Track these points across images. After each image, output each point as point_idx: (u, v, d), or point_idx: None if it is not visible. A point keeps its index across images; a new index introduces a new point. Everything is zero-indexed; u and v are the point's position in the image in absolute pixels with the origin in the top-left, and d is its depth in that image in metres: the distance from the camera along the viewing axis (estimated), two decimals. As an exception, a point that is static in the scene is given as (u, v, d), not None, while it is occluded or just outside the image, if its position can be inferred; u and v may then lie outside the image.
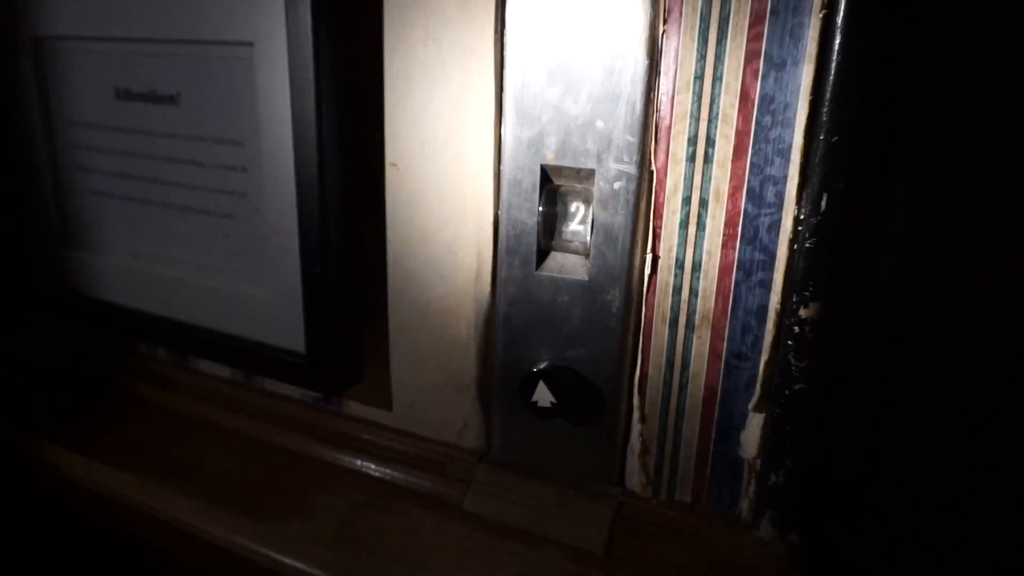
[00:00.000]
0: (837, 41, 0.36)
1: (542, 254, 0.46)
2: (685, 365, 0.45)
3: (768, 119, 0.39)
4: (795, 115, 0.38)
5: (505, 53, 0.44)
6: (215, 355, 0.59)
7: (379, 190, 0.50)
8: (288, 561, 0.46)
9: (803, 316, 0.40)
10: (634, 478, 0.48)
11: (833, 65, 0.36)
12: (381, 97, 0.48)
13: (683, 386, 0.45)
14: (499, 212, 0.47)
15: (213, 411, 0.62)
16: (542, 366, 0.47)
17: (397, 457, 0.54)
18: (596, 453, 0.48)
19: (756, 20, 0.38)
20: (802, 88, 0.38)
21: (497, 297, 0.48)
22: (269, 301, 0.55)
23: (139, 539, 0.54)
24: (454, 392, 0.52)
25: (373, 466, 0.55)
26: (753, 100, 0.39)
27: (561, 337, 0.47)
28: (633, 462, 0.48)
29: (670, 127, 0.41)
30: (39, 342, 0.72)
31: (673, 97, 0.41)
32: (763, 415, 0.43)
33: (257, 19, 0.48)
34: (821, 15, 0.36)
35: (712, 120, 0.40)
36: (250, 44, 0.49)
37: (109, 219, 0.62)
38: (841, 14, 0.36)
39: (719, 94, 0.40)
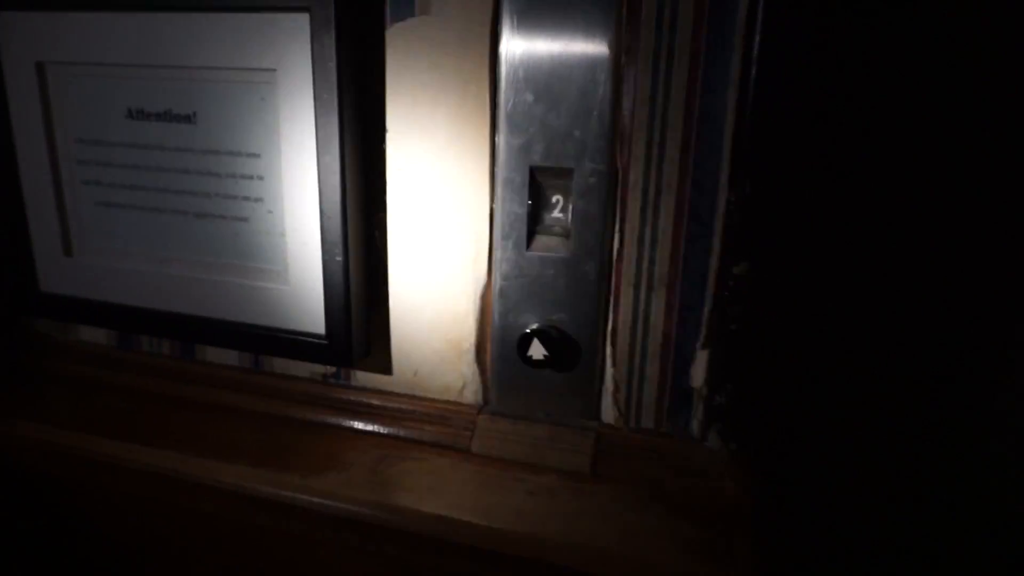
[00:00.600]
0: (753, 72, 0.50)
1: (531, 237, 0.58)
2: (647, 318, 0.58)
3: (706, 127, 0.52)
4: (725, 125, 0.52)
5: (498, 78, 0.55)
6: (232, 343, 0.67)
7: (384, 191, 0.60)
8: (334, 504, 0.55)
9: (736, 272, 0.54)
10: (609, 413, 0.61)
11: (751, 89, 0.50)
12: (384, 113, 0.58)
13: (645, 335, 0.58)
14: (494, 205, 0.58)
15: (227, 395, 0.69)
16: (535, 327, 0.58)
17: (407, 417, 0.64)
18: (577, 395, 0.60)
19: (694, 55, 0.51)
20: (729, 105, 0.51)
21: (493, 274, 0.59)
22: (286, 291, 0.63)
23: (180, 508, 0.61)
24: (455, 357, 0.63)
25: (387, 427, 0.64)
26: (694, 114, 0.52)
27: (547, 303, 0.59)
28: (607, 400, 0.60)
29: (631, 134, 0.54)
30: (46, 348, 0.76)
31: (634, 112, 0.53)
32: (707, 351, 0.57)
33: (281, 47, 0.57)
34: (741, 52, 0.50)
35: (664, 129, 0.53)
36: (272, 70, 0.58)
37: (117, 228, 0.68)
38: (755, 51, 0.50)
39: (668, 109, 0.53)
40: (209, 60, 0.60)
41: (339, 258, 0.59)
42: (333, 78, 0.55)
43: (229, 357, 0.71)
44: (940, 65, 0.50)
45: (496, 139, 0.57)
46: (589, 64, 0.53)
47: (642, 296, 0.57)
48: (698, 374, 0.58)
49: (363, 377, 0.67)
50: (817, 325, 0.58)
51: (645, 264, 0.56)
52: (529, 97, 0.55)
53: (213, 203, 0.64)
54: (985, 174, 0.54)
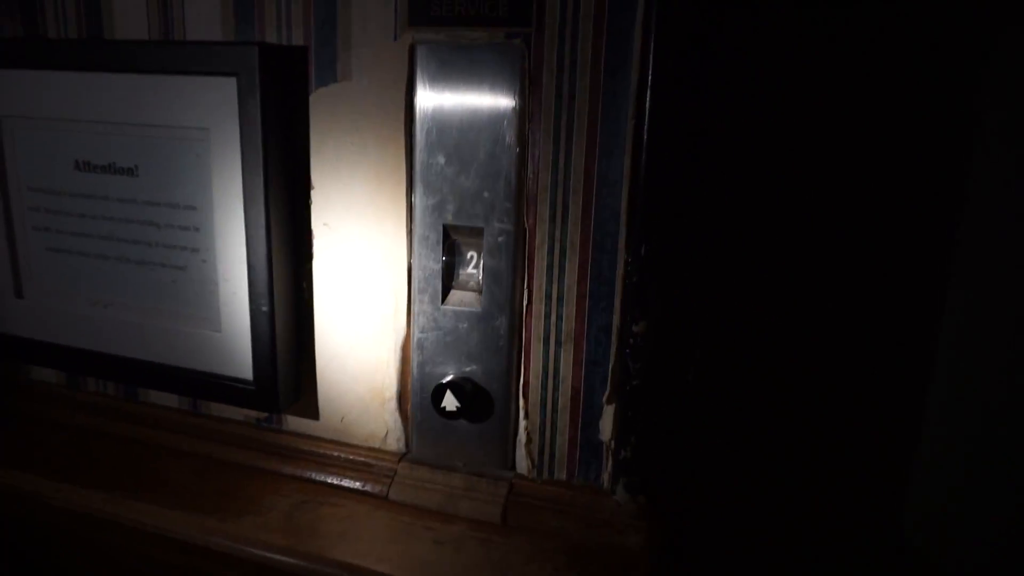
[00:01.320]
0: (645, 139, 0.52)
1: (446, 292, 0.60)
2: (556, 372, 0.59)
3: (605, 191, 0.55)
4: (622, 189, 0.54)
5: (414, 141, 0.58)
6: (169, 386, 0.69)
7: (311, 244, 0.63)
8: (246, 548, 0.57)
9: (635, 331, 0.55)
10: (522, 463, 0.62)
11: (643, 156, 0.53)
12: (309, 171, 0.61)
13: (556, 388, 0.60)
14: (411, 260, 0.60)
15: (165, 436, 0.71)
16: (448, 379, 0.60)
17: (331, 463, 0.66)
18: (492, 446, 0.62)
19: (591, 122, 0.54)
20: (625, 169, 0.54)
21: (412, 327, 0.62)
22: (218, 337, 0.66)
23: (109, 548, 0.63)
24: (378, 405, 0.65)
25: (311, 472, 0.66)
26: (594, 177, 0.55)
27: (462, 356, 0.61)
28: (521, 451, 0.62)
29: (536, 196, 0.56)
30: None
31: (538, 174, 0.56)
32: (613, 406, 0.58)
33: (212, 110, 0.60)
34: (632, 123, 0.52)
35: (566, 191, 0.55)
36: (205, 129, 0.61)
37: (65, 273, 0.71)
38: (646, 122, 0.52)
39: (570, 173, 0.55)
40: (149, 118, 0.63)
41: (265, 308, 0.62)
42: (258, 139, 0.58)
43: (170, 399, 0.73)
44: (830, 128, 0.53)
45: (412, 198, 0.59)
46: (496, 129, 0.56)
47: (551, 351, 0.59)
48: (606, 428, 0.59)
49: (293, 422, 0.69)
50: (716, 380, 0.59)
51: (553, 320, 0.58)
52: (441, 159, 0.57)
53: (153, 252, 0.67)
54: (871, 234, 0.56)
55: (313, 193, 0.62)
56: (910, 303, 0.63)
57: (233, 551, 0.57)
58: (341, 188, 0.61)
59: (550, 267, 0.57)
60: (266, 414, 0.69)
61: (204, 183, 0.63)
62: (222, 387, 0.66)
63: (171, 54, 0.60)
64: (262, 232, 0.60)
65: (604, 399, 0.58)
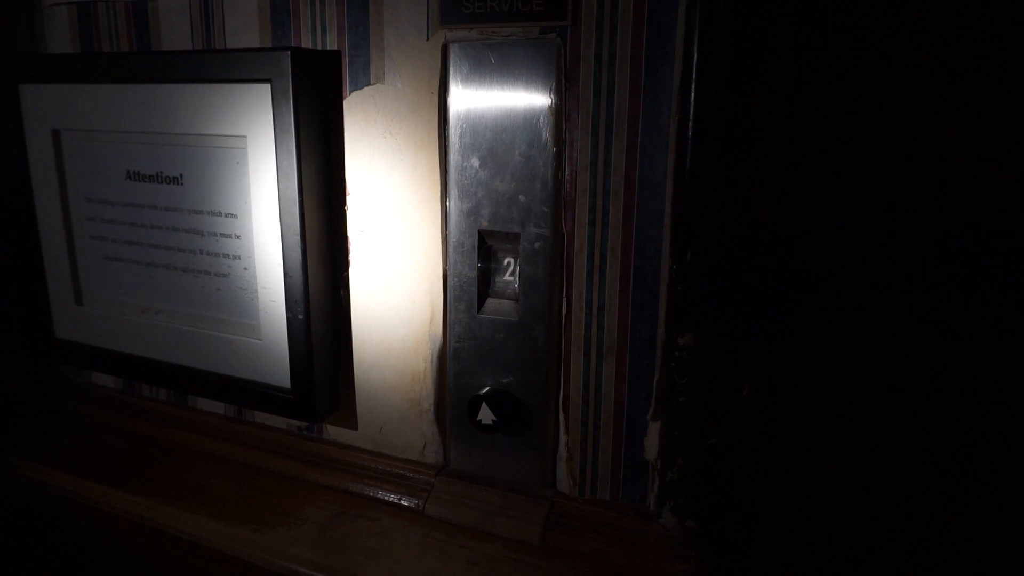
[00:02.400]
0: (689, 137, 0.48)
1: (482, 300, 0.58)
2: (598, 386, 0.56)
3: (647, 193, 0.51)
4: (665, 191, 0.50)
5: (447, 144, 0.56)
6: (212, 394, 0.69)
7: (347, 251, 0.62)
8: (276, 561, 0.56)
9: (681, 343, 0.51)
10: (563, 481, 0.59)
11: (688, 155, 0.49)
12: (344, 177, 0.60)
13: (598, 403, 0.56)
14: (447, 268, 0.58)
15: (211, 443, 0.71)
16: (484, 391, 0.58)
17: (369, 474, 0.64)
18: (531, 462, 0.59)
19: (632, 121, 0.50)
20: (668, 170, 0.50)
21: (448, 336, 0.59)
22: (259, 345, 0.65)
23: (150, 554, 0.63)
24: (416, 416, 0.63)
25: (349, 483, 0.64)
26: (635, 180, 0.51)
27: (499, 367, 0.58)
28: (562, 468, 0.59)
29: (575, 199, 0.53)
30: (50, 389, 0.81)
31: (576, 177, 0.53)
32: (659, 423, 0.54)
33: (249, 117, 0.60)
34: (676, 118, 0.49)
35: (606, 194, 0.52)
36: (243, 136, 0.61)
37: (119, 280, 0.73)
38: (691, 118, 0.48)
39: (610, 175, 0.52)
40: (192, 127, 0.63)
41: (301, 316, 0.61)
42: (292, 144, 0.57)
43: (217, 406, 0.74)
44: (887, 121, 0.47)
45: (447, 203, 0.57)
46: (532, 129, 0.53)
47: (592, 363, 0.56)
48: (651, 446, 0.55)
49: (333, 431, 0.68)
50: (775, 396, 0.54)
51: (594, 330, 0.55)
52: (475, 162, 0.55)
53: (198, 259, 0.68)
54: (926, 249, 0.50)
55: (349, 199, 0.61)
56: (998, 310, 0.56)
57: (263, 564, 0.56)
58: (376, 193, 0.60)
59: (590, 274, 0.54)
60: (307, 423, 0.69)
61: (243, 190, 0.63)
62: (262, 395, 0.66)
63: (207, 63, 0.60)
64: (297, 239, 0.59)
65: (649, 416, 0.54)
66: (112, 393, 0.79)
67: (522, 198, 0.54)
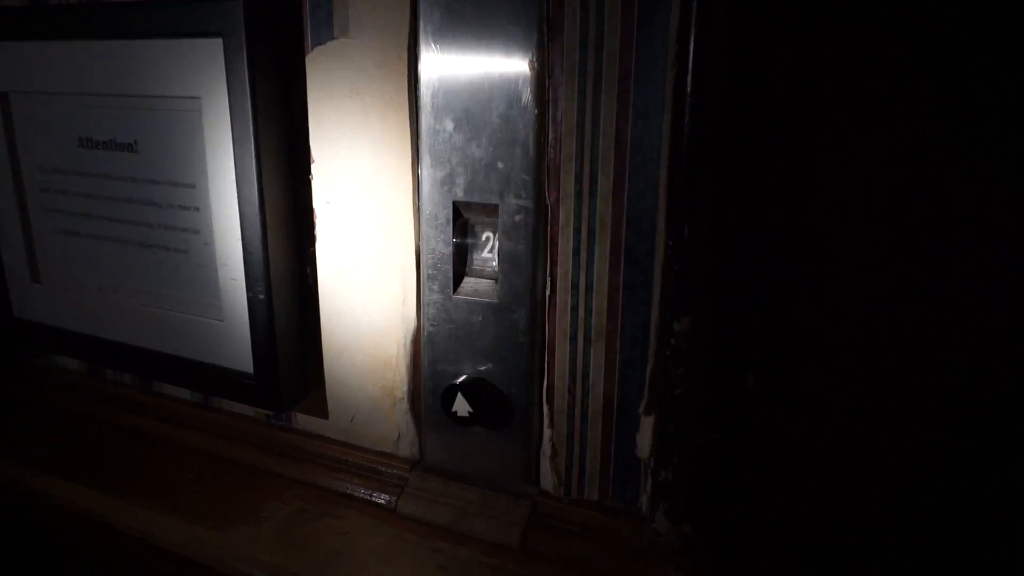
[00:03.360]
0: (688, 94, 0.42)
1: (458, 279, 0.52)
2: (585, 375, 0.50)
3: (640, 159, 0.45)
4: (661, 156, 0.44)
5: (419, 104, 0.50)
6: (174, 378, 0.65)
7: (313, 225, 0.56)
8: (229, 562, 0.51)
9: (677, 329, 0.46)
10: (547, 479, 0.54)
11: (687, 115, 0.43)
12: (308, 142, 0.54)
13: (585, 394, 0.51)
14: (419, 243, 0.53)
15: (176, 431, 0.66)
16: (460, 380, 0.52)
17: (339, 467, 0.59)
18: (512, 457, 0.54)
19: (623, 76, 0.44)
20: (664, 132, 0.44)
21: (421, 319, 0.54)
22: (221, 327, 0.60)
23: (98, 547, 0.59)
24: (389, 406, 0.58)
25: (317, 477, 0.60)
26: (627, 143, 0.45)
27: (477, 353, 0.53)
28: (546, 465, 0.53)
29: (559, 166, 0.47)
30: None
31: (561, 140, 0.47)
32: (652, 418, 0.49)
33: (202, 76, 0.54)
34: (673, 73, 0.42)
35: (593, 160, 0.46)
36: (197, 98, 0.55)
37: (75, 256, 0.67)
38: (691, 72, 0.42)
39: (598, 138, 0.46)
40: (143, 88, 0.58)
41: (262, 296, 0.56)
42: (248, 106, 0.52)
43: (183, 391, 0.69)
44: (904, 81, 0.41)
45: (419, 171, 0.51)
46: (510, 87, 0.47)
47: (579, 350, 0.50)
48: (644, 443, 0.50)
49: (303, 420, 0.63)
50: (783, 389, 0.49)
51: (581, 314, 0.49)
52: (449, 125, 0.49)
53: (156, 234, 0.62)
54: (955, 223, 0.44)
55: (314, 167, 0.55)
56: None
57: (216, 565, 0.51)
58: (343, 161, 0.54)
59: (576, 251, 0.48)
60: (272, 412, 0.63)
61: (200, 158, 0.57)
62: (225, 381, 0.61)
63: (155, 15, 0.54)
64: (255, 211, 0.54)
65: (641, 409, 0.49)
66: (76, 377, 0.75)
67: (501, 165, 0.48)
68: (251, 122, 0.52)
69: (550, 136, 0.47)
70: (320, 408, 0.61)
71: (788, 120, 0.41)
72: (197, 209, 0.59)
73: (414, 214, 0.53)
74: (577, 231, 0.48)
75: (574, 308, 0.49)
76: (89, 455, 0.65)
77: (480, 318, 0.52)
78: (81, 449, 0.66)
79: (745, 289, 0.45)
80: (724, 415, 0.49)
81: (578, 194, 0.47)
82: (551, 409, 0.52)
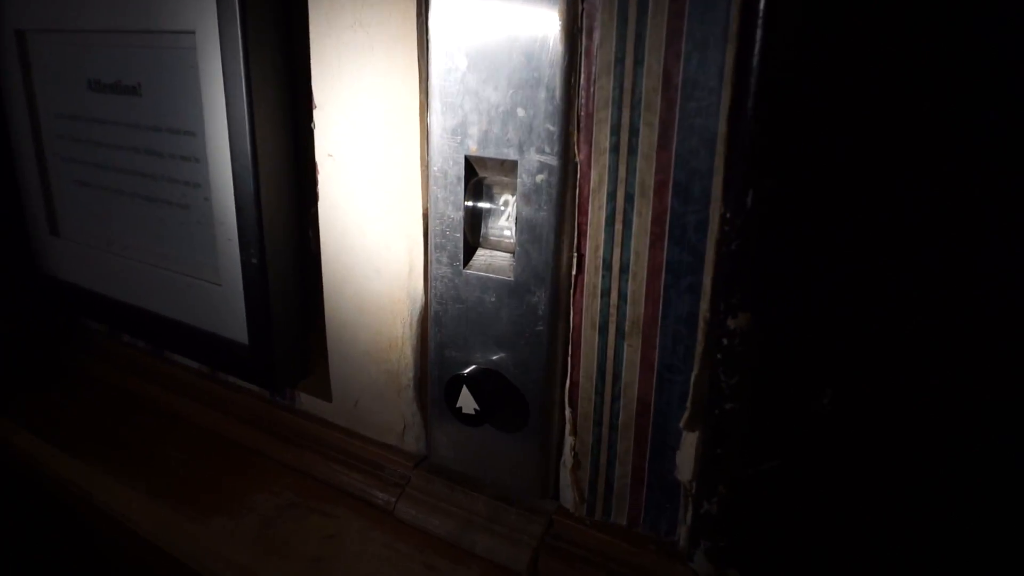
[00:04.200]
0: (760, 16, 0.32)
1: (470, 251, 0.44)
2: (616, 375, 0.41)
3: (692, 105, 0.35)
4: (721, 102, 0.34)
5: (428, 37, 0.41)
6: (174, 345, 0.60)
7: (316, 181, 0.49)
8: (200, 558, 0.45)
9: (731, 327, 0.36)
10: (567, 494, 0.45)
11: (757, 44, 0.32)
12: (310, 85, 0.47)
13: (615, 398, 0.42)
14: (427, 206, 0.44)
15: (181, 402, 0.62)
16: (467, 370, 0.44)
17: (339, 456, 0.53)
18: (527, 465, 0.45)
19: (676, -6, 0.34)
20: (726, 70, 0.34)
21: (429, 295, 0.46)
22: (218, 292, 0.54)
23: (82, 521, 0.55)
24: (394, 393, 0.50)
25: (315, 465, 0.53)
26: (676, 84, 0.35)
27: (489, 340, 0.44)
28: (566, 477, 0.45)
29: (592, 114, 0.38)
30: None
31: (595, 82, 0.37)
32: (696, 434, 0.39)
33: (195, 7, 0.47)
34: (741, -13, 0.32)
35: (635, 107, 0.36)
36: (191, 33, 0.49)
37: (89, 209, 0.63)
38: (765, -15, 0.31)
39: (641, 78, 0.36)
40: (142, 21, 0.52)
41: (255, 260, 0.49)
42: (238, 39, 0.44)
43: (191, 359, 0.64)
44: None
45: (427, 118, 0.43)
46: (535, 15, 0.37)
47: (610, 343, 0.41)
48: (685, 464, 0.40)
49: (307, 401, 0.56)
50: (861, 407, 0.38)
51: (613, 299, 0.40)
52: (462, 62, 0.40)
53: (160, 187, 0.57)
54: None
55: (316, 114, 0.48)
56: None
57: (185, 559, 0.46)
58: (346, 106, 0.46)
59: (610, 221, 0.39)
60: (267, 390, 0.57)
61: (196, 103, 0.51)
62: (222, 351, 0.55)
63: (144, -68, 0.48)
64: (248, 163, 0.47)
65: (683, 423, 0.39)
66: (95, 337, 0.71)
67: (521, 112, 0.39)
68: (242, 59, 0.45)
69: (582, 76, 0.37)
70: (324, 390, 0.54)
71: (900, 55, 0.30)
72: (197, 160, 0.53)
73: (421, 170, 0.44)
74: (611, 196, 0.38)
75: (605, 292, 0.40)
76: (88, 421, 0.61)
77: (493, 298, 0.43)
78: (80, 413, 0.62)
79: (826, 278, 0.35)
80: (787, 438, 0.38)
81: (614, 149, 0.37)
82: (574, 413, 0.43)
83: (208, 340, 0.56)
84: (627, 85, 0.36)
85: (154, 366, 0.65)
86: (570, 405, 0.43)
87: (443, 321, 0.45)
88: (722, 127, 0.34)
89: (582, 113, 0.38)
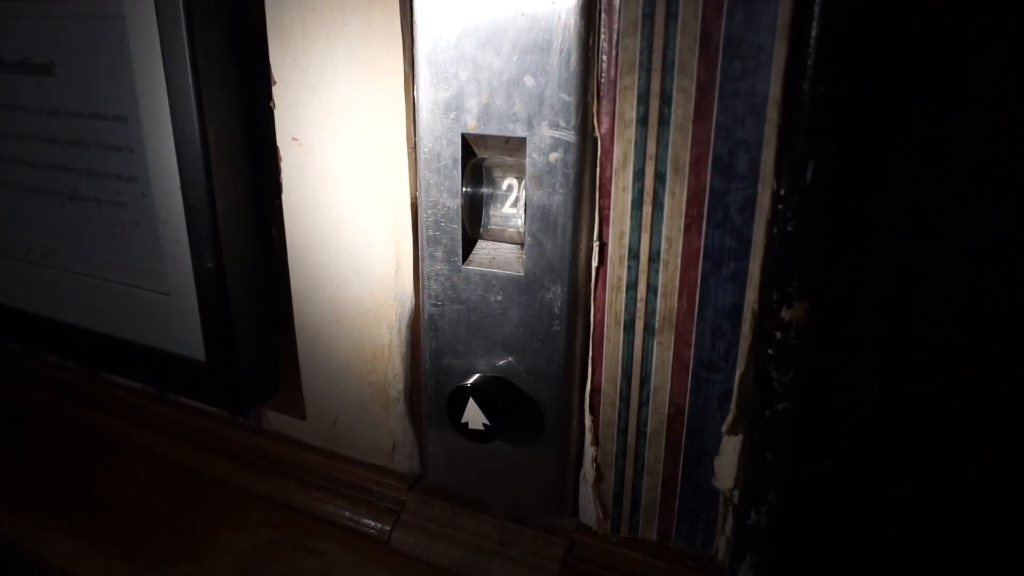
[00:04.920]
0: (824, -43, 0.27)
1: (469, 244, 0.38)
2: (645, 377, 0.37)
3: (737, 66, 0.30)
4: (771, 60, 0.29)
5: (413, -6, 0.35)
6: (114, 365, 0.52)
7: (278, 170, 0.42)
8: (173, 617, 0.39)
9: (786, 318, 0.31)
10: (588, 511, 0.40)
11: (819, -9, 0.28)
12: (268, 57, 0.40)
13: (643, 403, 0.37)
14: (417, 194, 0.38)
15: (125, 428, 0.54)
16: (472, 380, 0.39)
17: (319, 482, 0.47)
18: (542, 481, 0.40)
19: (718, -65, 0.29)
20: (779, 23, 0.29)
21: (421, 296, 0.40)
22: (166, 302, 0.47)
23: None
24: (381, 407, 0.44)
25: (292, 494, 0.47)
26: (717, 42, 0.30)
27: (495, 344, 0.39)
28: (587, 492, 0.40)
29: (616, 80, 0.32)
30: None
31: (617, 43, 0.32)
32: (739, 438, 0.35)
33: (121, -36, 0.40)
34: (802, -78, 0.27)
35: (667, 70, 0.31)
36: (117, -4, 0.41)
37: (4, 212, 0.54)
38: (829, -80, 0.27)
39: (674, 35, 0.31)
40: (53, -13, 0.44)
41: (211, 264, 0.42)
42: (179, 6, 0.37)
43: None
44: None
45: (414, 91, 0.37)
46: (545, -37, 0.32)
47: (637, 342, 0.36)
48: (725, 471, 0.36)
49: (276, 420, 0.50)
50: (926, 407, 0.34)
51: (642, 292, 0.35)
52: (455, 23, 0.34)
53: (86, 183, 0.49)
54: None
55: (275, 91, 0.41)
56: None
57: (151, 625, 0.39)
58: (314, 81, 0.39)
59: (636, 204, 0.34)
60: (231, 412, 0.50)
61: (127, 81, 0.43)
62: (174, 370, 0.48)
63: None
64: (196, 148, 0.40)
65: (725, 427, 0.35)
66: (12, 358, 0.62)
67: (530, 80, 0.34)
68: (184, 25, 0.37)
69: (602, 36, 0.32)
70: (296, 406, 0.48)
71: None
72: (131, 150, 0.46)
73: (409, 153, 0.38)
74: (639, 175, 0.33)
75: (631, 285, 0.35)
76: (11, 457, 0.52)
77: (500, 297, 0.38)
78: (14, 449, 0.53)
79: (886, 268, 0.31)
80: (837, 436, 0.35)
81: (642, 121, 0.32)
82: (596, 420, 0.38)
83: (156, 358, 0.48)
84: (657, 45, 0.31)
85: (89, 388, 0.57)
86: (591, 412, 0.38)
87: (439, 325, 0.40)
88: (775, 90, 0.30)
89: (603, 79, 0.33)
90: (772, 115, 0.30)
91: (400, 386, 0.43)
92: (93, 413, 0.55)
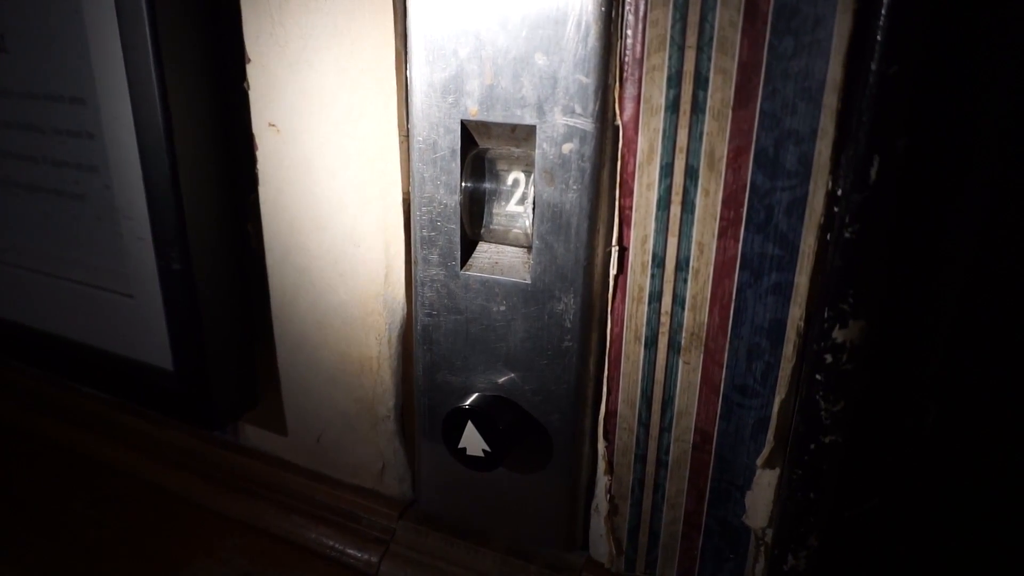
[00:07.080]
0: (902, -90, 0.23)
1: (468, 246, 0.34)
2: (668, 400, 0.32)
3: (789, 42, 0.26)
4: (831, 35, 0.25)
5: (405, -43, 0.30)
6: (74, 373, 0.47)
7: (254, 160, 0.37)
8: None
9: (839, 340, 0.27)
10: (600, 546, 0.36)
11: (894, -49, 0.23)
12: (241, 33, 0.35)
13: (665, 428, 0.33)
14: (409, 189, 0.34)
15: (90, 441, 0.49)
16: (471, 400, 0.34)
17: (301, 506, 0.42)
18: (549, 511, 0.36)
19: None
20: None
21: (414, 304, 0.35)
22: (130, 305, 0.42)
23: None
24: (368, 425, 0.40)
25: (270, 517, 0.42)
26: (766, 14, 0.26)
27: (497, 359, 0.34)
28: (599, 526, 0.36)
29: (641, 60, 0.28)
30: None
31: (644, 16, 0.27)
32: (776, 472, 0.31)
33: (72, -79, 0.35)
34: None
35: (703, 48, 0.27)
36: (69, -41, 0.36)
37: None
38: None
39: (713, 7, 0.26)
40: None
41: (178, 265, 0.37)
42: (136, -35, 0.32)
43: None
44: None
45: (407, 72, 0.32)
46: (562, -80, 0.27)
47: (659, 361, 0.32)
48: (758, 508, 0.32)
49: (254, 435, 0.45)
50: (992, 441, 0.30)
51: (666, 304, 0.31)
52: (456, -9, 0.30)
53: (43, 172, 0.44)
54: None
55: (250, 70, 0.36)
56: None
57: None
58: (291, 60, 0.35)
59: (663, 204, 0.29)
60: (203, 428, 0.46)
61: (84, 58, 0.38)
62: (138, 380, 0.43)
63: None
64: (159, 135, 0.35)
65: (761, 460, 0.31)
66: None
67: (542, 59, 0.29)
68: (142, -7, 0.33)
69: (627, 6, 0.27)
70: (276, 421, 0.44)
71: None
72: (91, 136, 0.41)
73: (401, 142, 0.34)
74: (666, 170, 0.29)
75: (654, 296, 0.31)
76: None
77: (503, 307, 0.33)
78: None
79: (957, 283, 0.27)
80: (887, 470, 0.31)
81: (672, 107, 0.28)
82: (610, 447, 0.34)
83: (120, 366, 0.44)
84: (692, 17, 0.26)
85: (53, 397, 0.53)
86: (605, 438, 0.34)
87: (434, 337, 0.35)
88: (834, 71, 0.25)
89: (627, 58, 0.28)
90: (830, 101, 0.25)
91: (390, 403, 0.39)
92: (53, 422, 0.51)
